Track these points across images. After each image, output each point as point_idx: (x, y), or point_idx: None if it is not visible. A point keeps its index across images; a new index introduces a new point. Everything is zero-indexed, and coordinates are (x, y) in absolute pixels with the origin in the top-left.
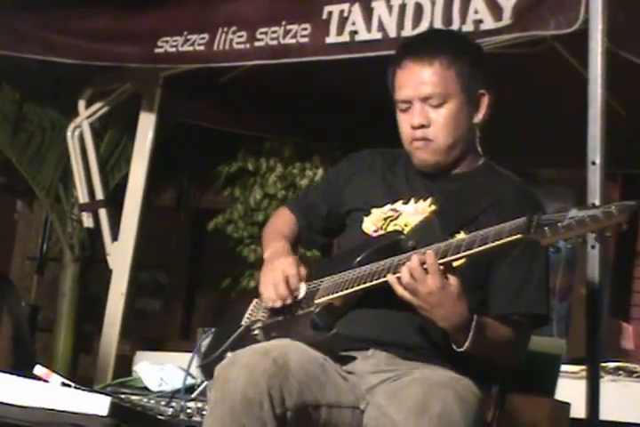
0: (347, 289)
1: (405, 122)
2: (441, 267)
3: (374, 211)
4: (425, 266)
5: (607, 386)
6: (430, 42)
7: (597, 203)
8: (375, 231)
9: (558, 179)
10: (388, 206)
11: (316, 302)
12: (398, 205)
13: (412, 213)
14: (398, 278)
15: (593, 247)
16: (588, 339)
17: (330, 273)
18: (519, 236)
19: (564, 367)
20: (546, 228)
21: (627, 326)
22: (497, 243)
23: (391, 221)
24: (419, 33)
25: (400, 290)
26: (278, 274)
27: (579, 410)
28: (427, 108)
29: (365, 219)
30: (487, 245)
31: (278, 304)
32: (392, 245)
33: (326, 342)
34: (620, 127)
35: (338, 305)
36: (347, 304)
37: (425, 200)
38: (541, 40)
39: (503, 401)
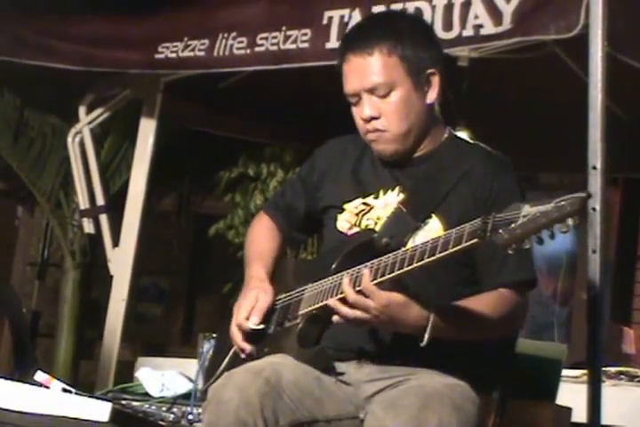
0: (326, 299)
1: (357, 115)
2: (379, 281)
3: (346, 207)
4: (358, 288)
5: (608, 391)
6: (368, 30)
7: (598, 208)
8: (350, 229)
9: (559, 183)
10: (359, 200)
11: (299, 313)
12: (369, 200)
13: (382, 206)
14: (340, 314)
15: (594, 252)
16: (589, 343)
17: (312, 279)
18: (475, 240)
19: (565, 372)
20: (501, 230)
21: (628, 330)
22: (453, 250)
23: (364, 215)
24: (357, 22)
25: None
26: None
27: (580, 415)
28: (375, 98)
29: (339, 217)
30: (441, 254)
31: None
32: (366, 244)
33: (313, 357)
34: (621, 131)
35: (321, 315)
36: (330, 313)
37: (393, 190)
38: (542, 45)
39: (504, 406)
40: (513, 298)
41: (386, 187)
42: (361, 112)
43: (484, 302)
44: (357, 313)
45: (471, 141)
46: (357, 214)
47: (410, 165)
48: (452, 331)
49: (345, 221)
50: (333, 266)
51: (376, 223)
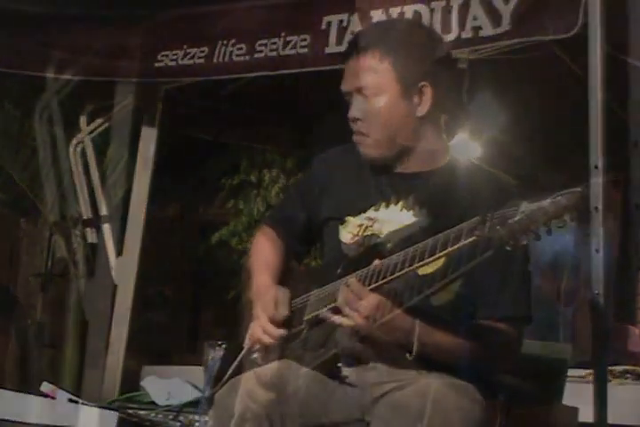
0: (330, 304)
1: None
2: (372, 286)
3: (349, 219)
4: (355, 292)
5: (614, 390)
6: (368, 34)
7: (600, 207)
8: (352, 239)
9: (559, 183)
10: (362, 215)
11: (305, 318)
12: (371, 213)
13: (385, 219)
14: (336, 313)
15: (597, 251)
16: (594, 343)
17: (317, 286)
18: (473, 238)
19: (570, 372)
20: (498, 226)
21: (633, 328)
22: (453, 248)
23: (367, 227)
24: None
25: (344, 321)
26: (255, 326)
27: (587, 414)
28: (361, 99)
29: (341, 228)
30: (442, 253)
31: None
32: (370, 249)
33: (318, 360)
34: (622, 130)
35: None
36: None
37: (396, 204)
38: (541, 45)
39: (510, 407)
40: (505, 333)
41: (388, 200)
42: (349, 112)
43: (473, 332)
44: (350, 312)
45: (476, 163)
46: (360, 226)
47: (411, 178)
48: (440, 348)
49: (347, 232)
50: (339, 271)
51: (380, 234)
